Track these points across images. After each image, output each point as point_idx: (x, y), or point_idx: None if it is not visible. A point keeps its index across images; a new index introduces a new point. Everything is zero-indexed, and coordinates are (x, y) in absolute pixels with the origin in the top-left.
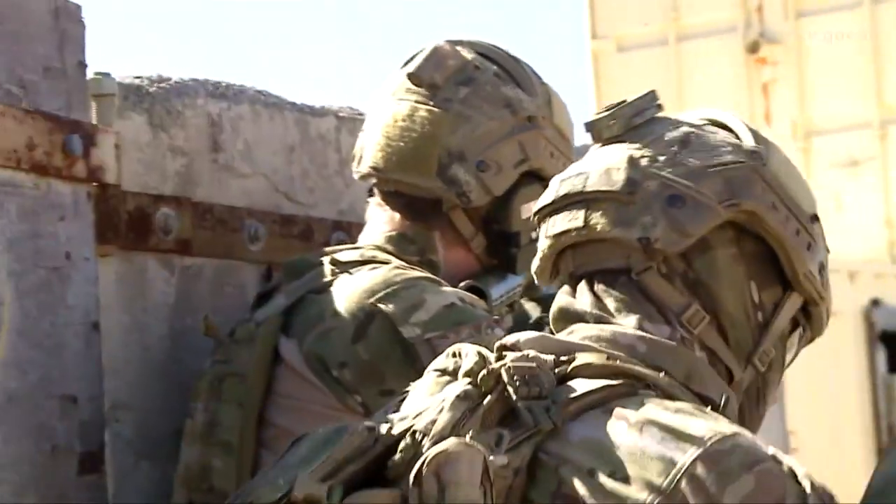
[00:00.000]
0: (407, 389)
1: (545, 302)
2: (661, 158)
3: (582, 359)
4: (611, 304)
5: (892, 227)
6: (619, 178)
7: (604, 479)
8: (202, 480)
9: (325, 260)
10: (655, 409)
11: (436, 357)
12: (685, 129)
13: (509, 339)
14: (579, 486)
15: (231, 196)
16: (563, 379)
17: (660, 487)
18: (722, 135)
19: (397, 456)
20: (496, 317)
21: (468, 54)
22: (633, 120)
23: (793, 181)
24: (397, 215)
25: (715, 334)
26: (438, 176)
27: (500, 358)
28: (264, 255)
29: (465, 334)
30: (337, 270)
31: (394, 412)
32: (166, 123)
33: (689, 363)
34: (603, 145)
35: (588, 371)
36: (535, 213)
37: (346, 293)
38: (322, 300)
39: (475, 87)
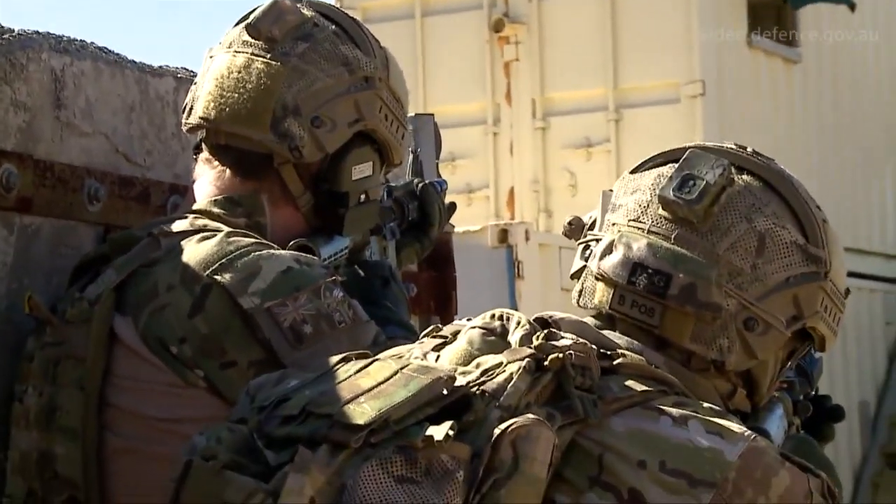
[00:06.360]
0: (442, 332)
1: (368, 267)
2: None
3: (628, 358)
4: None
5: None
6: (704, 298)
7: (654, 470)
8: (44, 468)
9: (155, 231)
10: (693, 408)
11: (276, 325)
12: (761, 224)
13: (551, 316)
14: (628, 476)
15: (72, 154)
16: (605, 372)
17: (712, 480)
18: (791, 232)
19: (471, 413)
20: (334, 277)
21: (308, 11)
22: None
23: (840, 274)
24: (226, 172)
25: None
26: (271, 129)
27: (549, 336)
28: (102, 216)
29: (303, 300)
30: (167, 242)
31: (434, 352)
32: (10, 77)
33: (706, 392)
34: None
35: (630, 370)
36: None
37: (180, 266)
38: (154, 274)
39: (313, 44)
